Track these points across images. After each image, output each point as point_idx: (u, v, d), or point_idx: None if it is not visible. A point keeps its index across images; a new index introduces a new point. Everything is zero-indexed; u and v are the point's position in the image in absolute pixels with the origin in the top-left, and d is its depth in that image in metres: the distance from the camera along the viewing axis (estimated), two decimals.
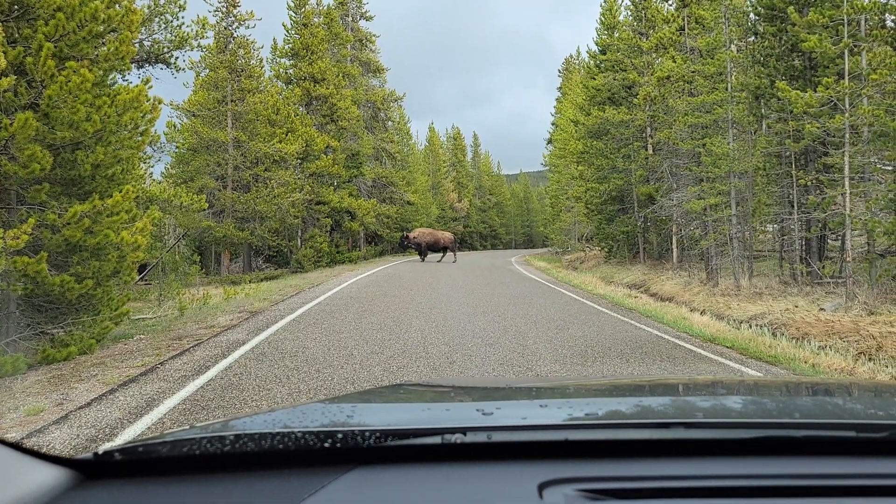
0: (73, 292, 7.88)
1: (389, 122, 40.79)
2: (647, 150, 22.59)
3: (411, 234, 31.35)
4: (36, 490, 0.96)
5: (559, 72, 61.26)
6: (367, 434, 1.07)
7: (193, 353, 7.61)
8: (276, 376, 6.26)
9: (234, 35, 23.92)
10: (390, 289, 16.20)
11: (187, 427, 1.28)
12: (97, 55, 8.09)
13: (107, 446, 1.10)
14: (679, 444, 1.10)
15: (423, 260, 30.58)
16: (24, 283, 7.31)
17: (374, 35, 37.61)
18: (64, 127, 7.55)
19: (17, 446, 1.04)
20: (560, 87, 58.42)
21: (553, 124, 56.60)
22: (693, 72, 15.01)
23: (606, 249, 26.45)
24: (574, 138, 28.38)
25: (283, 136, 24.38)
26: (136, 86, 8.49)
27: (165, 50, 16.69)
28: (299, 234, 27.50)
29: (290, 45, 29.77)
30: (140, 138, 8.41)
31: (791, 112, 13.36)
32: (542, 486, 0.97)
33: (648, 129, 22.44)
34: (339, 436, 1.07)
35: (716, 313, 12.96)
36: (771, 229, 18.98)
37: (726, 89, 14.32)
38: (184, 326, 10.06)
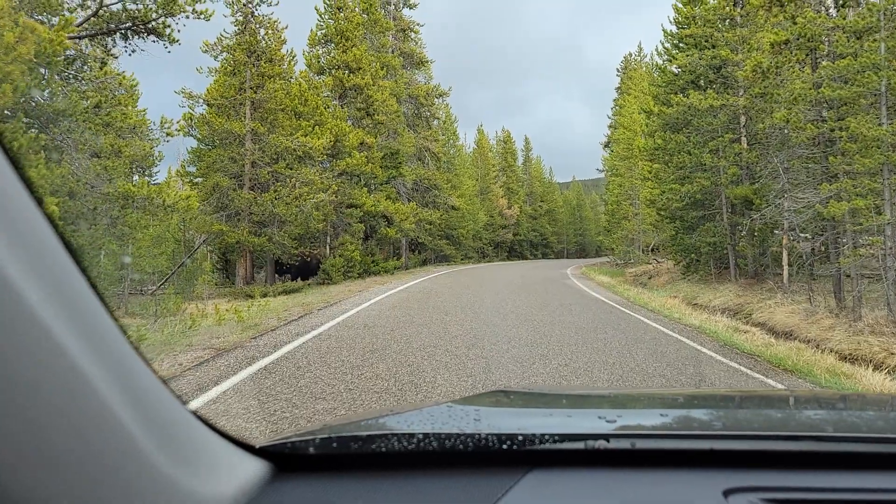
0: None
1: (435, 121, 37.56)
2: (740, 143, 18.57)
3: None
4: (249, 481, 0.95)
5: (617, 71, 59.10)
6: (545, 437, 1.06)
7: None
8: None
9: (255, 13, 21.03)
10: (420, 313, 12.80)
11: (339, 425, 1.28)
12: None
13: (297, 438, 1.06)
14: (833, 457, 1.06)
15: (295, 280, 23.98)
16: None
17: (417, 24, 34.44)
18: None
19: (228, 436, 0.99)
20: (619, 88, 56.31)
21: (611, 126, 53.01)
22: (831, 28, 11.14)
23: (684, 263, 22.39)
24: (645, 133, 24.47)
25: (310, 129, 21.34)
26: None
27: (154, 16, 13.80)
28: (328, 241, 24.38)
29: (324, 32, 26.86)
30: None
31: None
32: (727, 493, 0.94)
33: (743, 119, 18.42)
34: (519, 438, 1.06)
35: (877, 363, 9.10)
36: None
37: (879, 51, 10.45)
38: None
